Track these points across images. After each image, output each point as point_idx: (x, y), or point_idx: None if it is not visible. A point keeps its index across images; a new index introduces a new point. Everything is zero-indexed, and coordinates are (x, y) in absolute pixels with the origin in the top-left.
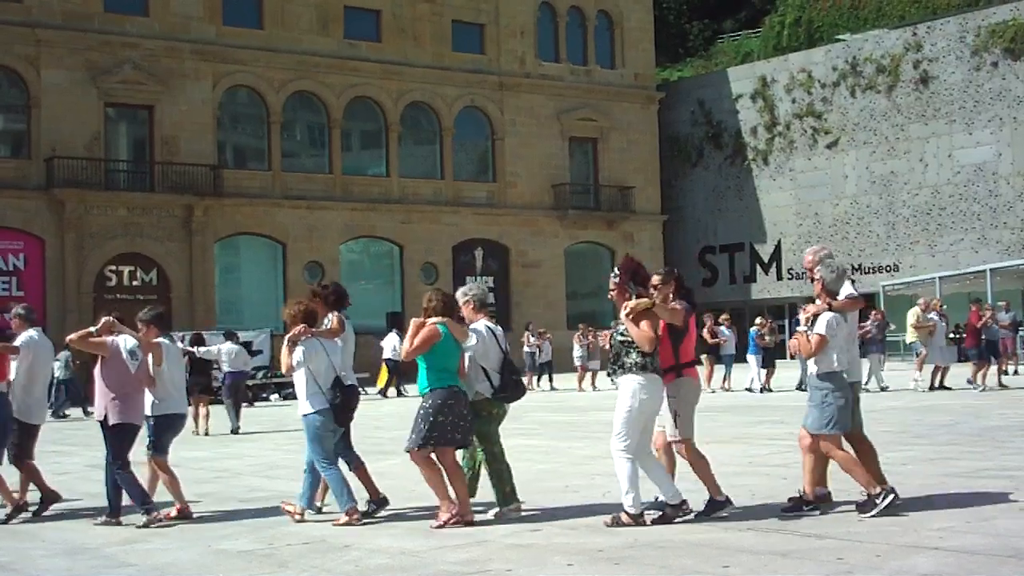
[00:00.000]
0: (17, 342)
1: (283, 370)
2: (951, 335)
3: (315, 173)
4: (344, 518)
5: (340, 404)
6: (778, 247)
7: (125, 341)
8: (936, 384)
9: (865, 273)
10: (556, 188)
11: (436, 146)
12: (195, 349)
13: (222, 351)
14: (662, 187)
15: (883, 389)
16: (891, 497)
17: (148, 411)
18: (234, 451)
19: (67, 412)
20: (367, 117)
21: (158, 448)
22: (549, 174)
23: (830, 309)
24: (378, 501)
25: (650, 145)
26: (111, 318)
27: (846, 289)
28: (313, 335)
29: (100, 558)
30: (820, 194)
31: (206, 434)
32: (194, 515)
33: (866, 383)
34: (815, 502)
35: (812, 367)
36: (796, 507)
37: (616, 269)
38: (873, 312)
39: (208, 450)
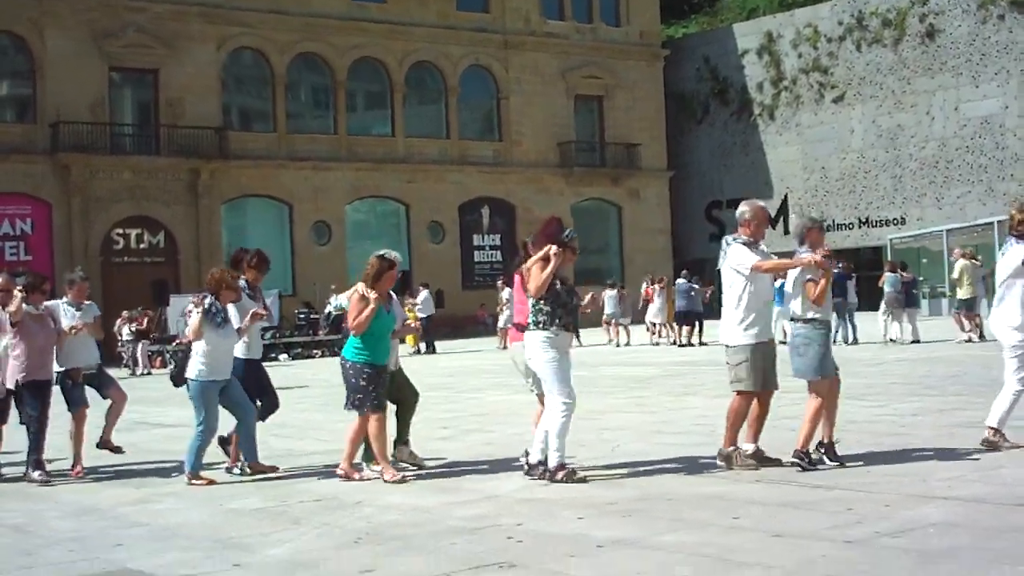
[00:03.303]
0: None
1: (192, 337)
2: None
3: (320, 134)
4: (186, 479)
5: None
6: (785, 202)
7: None
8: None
9: (872, 226)
10: (562, 146)
11: (441, 105)
12: None
13: None
14: (668, 143)
15: (915, 341)
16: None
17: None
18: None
19: None
20: (372, 78)
21: None
22: (555, 132)
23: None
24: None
25: (656, 102)
26: None
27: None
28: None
29: (111, 518)
30: (827, 148)
31: None
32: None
33: (912, 334)
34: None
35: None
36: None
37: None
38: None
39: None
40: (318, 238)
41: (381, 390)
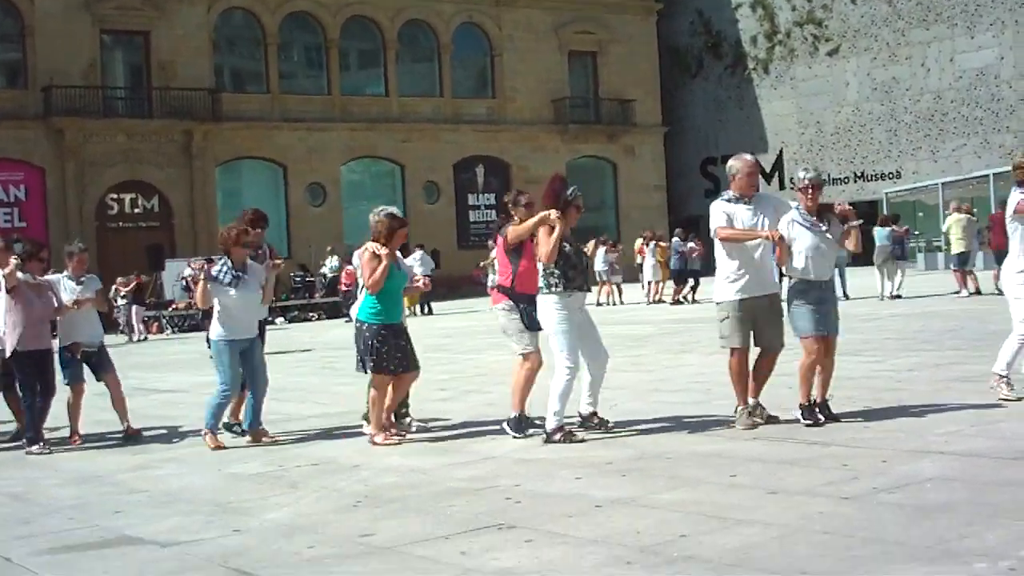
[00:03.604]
0: None
1: (200, 305)
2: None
3: (314, 94)
4: (207, 439)
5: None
6: (780, 156)
7: None
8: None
9: (868, 180)
10: (556, 103)
11: (434, 64)
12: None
13: None
14: (662, 99)
15: (897, 296)
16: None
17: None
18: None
19: None
20: (364, 36)
21: None
22: (549, 89)
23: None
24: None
25: (650, 57)
26: None
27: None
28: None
29: (111, 485)
30: (821, 102)
31: None
32: None
33: (897, 289)
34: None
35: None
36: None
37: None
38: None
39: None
40: (313, 199)
41: (400, 350)
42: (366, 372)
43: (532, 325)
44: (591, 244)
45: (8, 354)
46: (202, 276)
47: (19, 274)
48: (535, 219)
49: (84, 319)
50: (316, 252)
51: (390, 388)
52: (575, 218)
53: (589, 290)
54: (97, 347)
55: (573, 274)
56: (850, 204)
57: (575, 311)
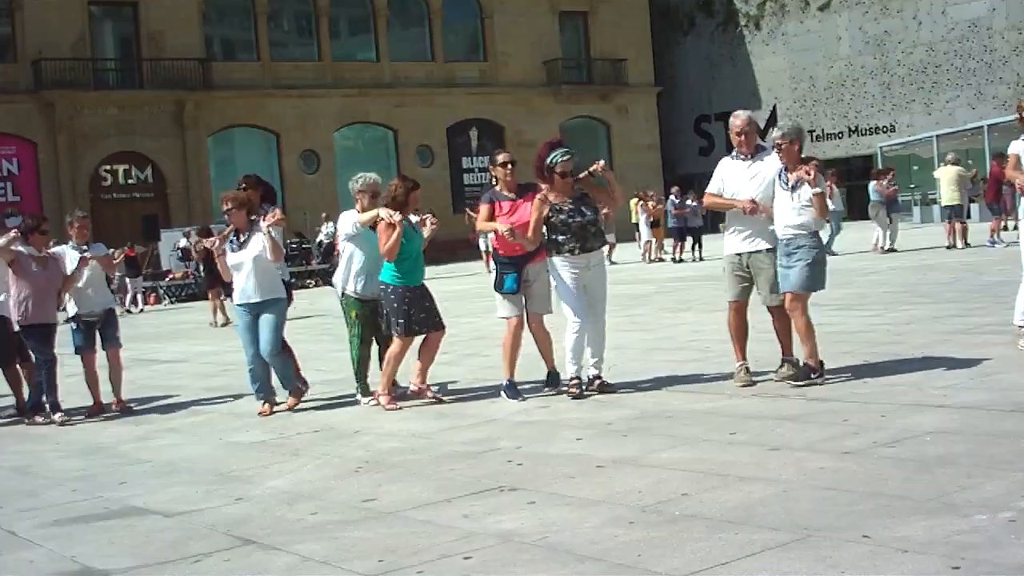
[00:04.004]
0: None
1: (226, 279)
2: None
3: (305, 61)
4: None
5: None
6: (773, 112)
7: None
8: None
9: (862, 135)
10: (548, 64)
11: (425, 28)
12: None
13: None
14: (655, 58)
15: (891, 250)
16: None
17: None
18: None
19: None
20: (354, 2)
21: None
22: (540, 51)
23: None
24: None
25: (641, 16)
26: None
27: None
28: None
29: (115, 456)
30: (814, 57)
31: (223, 325)
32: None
33: (892, 243)
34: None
35: (790, 229)
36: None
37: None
38: (891, 173)
39: (215, 344)
40: (307, 167)
41: (424, 311)
42: (398, 335)
43: (499, 287)
44: (598, 165)
45: (16, 328)
46: (217, 252)
47: (19, 247)
48: (489, 225)
49: (89, 287)
50: (311, 219)
51: (422, 349)
52: (563, 181)
53: (591, 249)
54: (99, 315)
55: (563, 239)
56: (832, 167)
57: (582, 270)
